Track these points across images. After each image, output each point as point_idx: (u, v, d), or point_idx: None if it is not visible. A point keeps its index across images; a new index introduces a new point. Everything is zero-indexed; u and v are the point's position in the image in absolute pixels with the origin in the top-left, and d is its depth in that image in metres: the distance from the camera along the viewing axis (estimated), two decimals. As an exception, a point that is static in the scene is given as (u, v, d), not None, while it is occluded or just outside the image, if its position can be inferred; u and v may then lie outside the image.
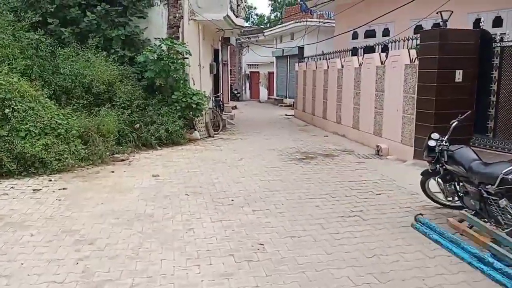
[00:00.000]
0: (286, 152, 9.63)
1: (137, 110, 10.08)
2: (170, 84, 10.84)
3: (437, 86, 7.36)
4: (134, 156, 9.02)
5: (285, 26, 23.63)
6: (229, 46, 19.02)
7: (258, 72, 29.96)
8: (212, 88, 14.11)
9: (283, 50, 24.63)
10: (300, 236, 4.58)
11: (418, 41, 8.53)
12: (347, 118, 11.60)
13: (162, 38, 10.56)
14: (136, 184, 6.77)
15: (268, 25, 34.43)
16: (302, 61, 17.44)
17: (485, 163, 4.16)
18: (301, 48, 22.08)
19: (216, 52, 15.16)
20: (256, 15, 54.23)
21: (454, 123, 4.88)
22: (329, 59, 13.66)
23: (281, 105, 24.61)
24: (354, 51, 12.83)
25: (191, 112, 10.79)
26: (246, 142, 11.09)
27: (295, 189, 6.48)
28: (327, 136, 12.17)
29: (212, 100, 13.36)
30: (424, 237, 4.50)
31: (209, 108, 12.89)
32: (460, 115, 5.10)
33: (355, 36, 14.99)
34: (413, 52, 8.42)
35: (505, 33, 7.26)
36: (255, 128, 14.10)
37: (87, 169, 7.74)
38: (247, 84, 31.16)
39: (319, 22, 20.34)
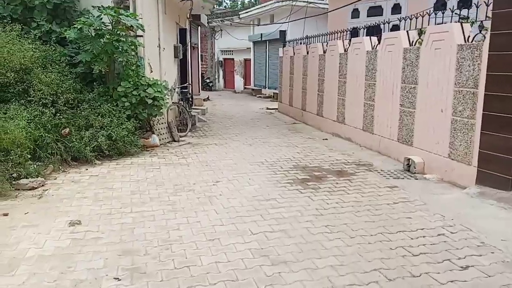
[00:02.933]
0: (280, 167, 6.84)
1: (66, 108, 7.03)
2: (116, 72, 7.84)
3: (528, 76, 4.71)
4: (55, 178, 6.00)
5: (264, 6, 20.70)
6: (199, 27, 15.97)
7: (233, 59, 26.94)
8: (178, 76, 11.13)
9: (261, 34, 21.74)
10: None
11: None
12: (354, 117, 8.90)
13: (102, 7, 7.47)
14: (34, 247, 3.82)
15: (243, 7, 31.34)
16: (287, 46, 14.61)
17: None
18: (283, 32, 19.34)
19: (183, 32, 12.13)
20: (230, -1, 50.87)
21: None
22: (325, 42, 10.90)
23: (260, 96, 21.80)
24: (354, 33, 10.19)
25: (145, 110, 7.80)
26: (222, 150, 8.23)
27: (315, 256, 3.68)
28: (326, 139, 9.45)
29: (178, 92, 10.41)
30: None
31: (173, 103, 9.92)
32: None
33: (355, 14, 12.31)
34: (468, 27, 5.77)
35: None
36: (233, 127, 11.23)
37: (-37, 209, 4.71)
38: (221, 72, 28.11)
39: (307, 2, 17.50)
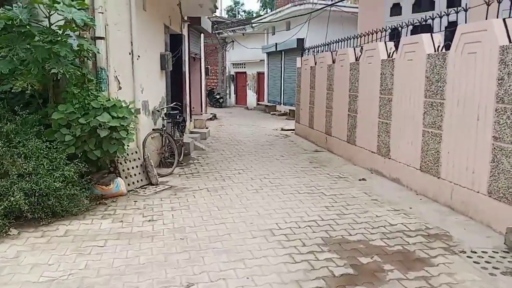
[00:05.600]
0: (301, 242, 4.17)
1: (-34, 147, 4.55)
2: (62, 90, 5.37)
3: None
4: None
5: (279, 12, 18.24)
6: (202, 34, 13.58)
7: (245, 72, 24.54)
8: (165, 94, 8.62)
9: (276, 44, 19.29)
10: None
11: None
12: (406, 149, 6.21)
13: (33, -8, 5.02)
14: None
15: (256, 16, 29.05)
16: (306, 54, 12.06)
17: None
18: (300, 40, 16.83)
19: (176, 39, 9.68)
20: (244, 11, 48.95)
21: None
22: (358, 46, 8.29)
23: (274, 114, 19.25)
24: (395, 34, 7.65)
25: (101, 147, 5.26)
26: (215, 202, 5.61)
27: None
28: (364, 180, 6.75)
29: (162, 116, 7.87)
30: None
31: (153, 130, 7.39)
32: None
33: (396, 11, 9.67)
34: None
35: None
36: (238, 158, 8.64)
37: None
38: (232, 87, 25.71)
39: (330, 5, 14.96)
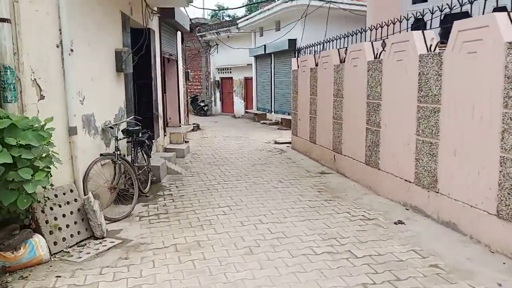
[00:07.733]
0: None
1: None
2: None
3: None
4: None
5: (268, 10, 16.24)
6: (179, 32, 11.49)
7: (231, 78, 22.51)
8: (125, 105, 6.50)
9: (264, 46, 17.35)
10: None
11: None
12: (468, 182, 4.22)
13: None
14: None
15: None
16: (304, 54, 10.12)
17: None
18: (293, 41, 14.90)
19: (140, 34, 7.54)
20: (228, 16, 47.14)
21: None
22: (379, 40, 6.36)
23: (264, 123, 17.24)
24: (418, 24, 5.80)
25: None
26: (183, 279, 3.53)
27: None
28: (402, 223, 4.74)
29: (116, 135, 5.69)
30: None
31: (102, 155, 5.23)
32: None
33: (418, -4, 7.77)
34: None
35: None
36: (222, 188, 6.57)
37: None
38: (218, 94, 23.66)
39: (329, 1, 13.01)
